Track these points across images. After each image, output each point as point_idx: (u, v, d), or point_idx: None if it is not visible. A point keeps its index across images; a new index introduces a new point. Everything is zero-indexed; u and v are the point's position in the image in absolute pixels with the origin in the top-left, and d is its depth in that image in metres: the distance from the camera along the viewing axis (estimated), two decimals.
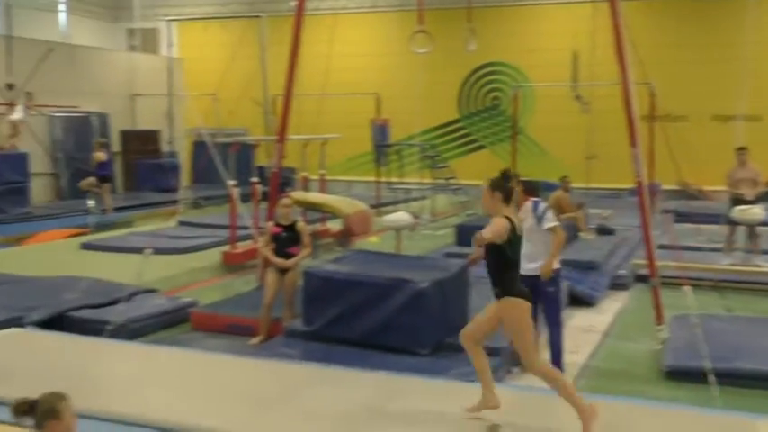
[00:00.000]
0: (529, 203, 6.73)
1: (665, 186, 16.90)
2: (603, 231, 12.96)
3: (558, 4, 21.76)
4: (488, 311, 5.05)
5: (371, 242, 12.92)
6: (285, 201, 7.97)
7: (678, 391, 6.31)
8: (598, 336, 8.04)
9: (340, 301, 7.08)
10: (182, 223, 14.85)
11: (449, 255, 11.48)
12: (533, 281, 6.25)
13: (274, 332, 7.54)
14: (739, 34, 17.18)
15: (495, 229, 4.78)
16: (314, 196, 12.18)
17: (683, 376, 6.48)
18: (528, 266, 6.26)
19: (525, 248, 5.42)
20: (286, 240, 7.75)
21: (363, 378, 5.92)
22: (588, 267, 10.17)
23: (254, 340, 7.48)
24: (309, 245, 7.98)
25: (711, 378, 6.00)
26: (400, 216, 11.48)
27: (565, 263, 7.52)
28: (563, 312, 7.23)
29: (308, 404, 5.37)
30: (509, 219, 4.87)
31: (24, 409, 3.41)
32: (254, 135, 19.01)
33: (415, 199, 17.68)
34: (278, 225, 7.84)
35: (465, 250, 11.63)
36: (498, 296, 4.90)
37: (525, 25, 22.18)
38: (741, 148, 11.00)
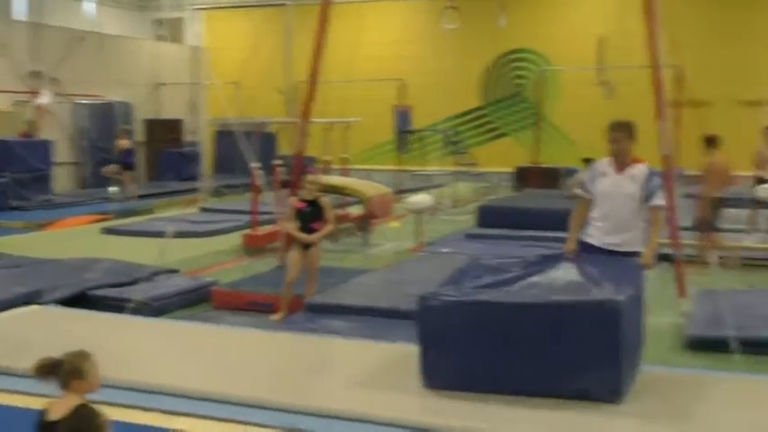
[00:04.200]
0: (644, 168, 5.60)
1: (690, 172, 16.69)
2: None
3: None
4: None
5: (392, 227, 12.87)
6: (310, 177, 7.93)
7: (701, 360, 6.23)
8: None
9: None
10: (204, 209, 14.94)
11: (469, 236, 11.47)
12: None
13: (294, 308, 7.54)
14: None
15: None
16: (335, 179, 12.17)
17: (706, 346, 6.37)
18: (609, 240, 5.58)
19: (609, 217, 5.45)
20: (309, 215, 7.71)
21: (381, 348, 5.94)
22: None
23: (276, 316, 7.48)
24: (332, 220, 7.93)
25: (735, 345, 5.92)
26: (421, 199, 11.46)
27: None
28: None
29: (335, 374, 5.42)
30: None
31: (48, 369, 3.39)
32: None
33: (437, 186, 17.62)
34: (302, 201, 7.82)
35: (488, 231, 11.61)
36: None
37: (553, 11, 21.66)
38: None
